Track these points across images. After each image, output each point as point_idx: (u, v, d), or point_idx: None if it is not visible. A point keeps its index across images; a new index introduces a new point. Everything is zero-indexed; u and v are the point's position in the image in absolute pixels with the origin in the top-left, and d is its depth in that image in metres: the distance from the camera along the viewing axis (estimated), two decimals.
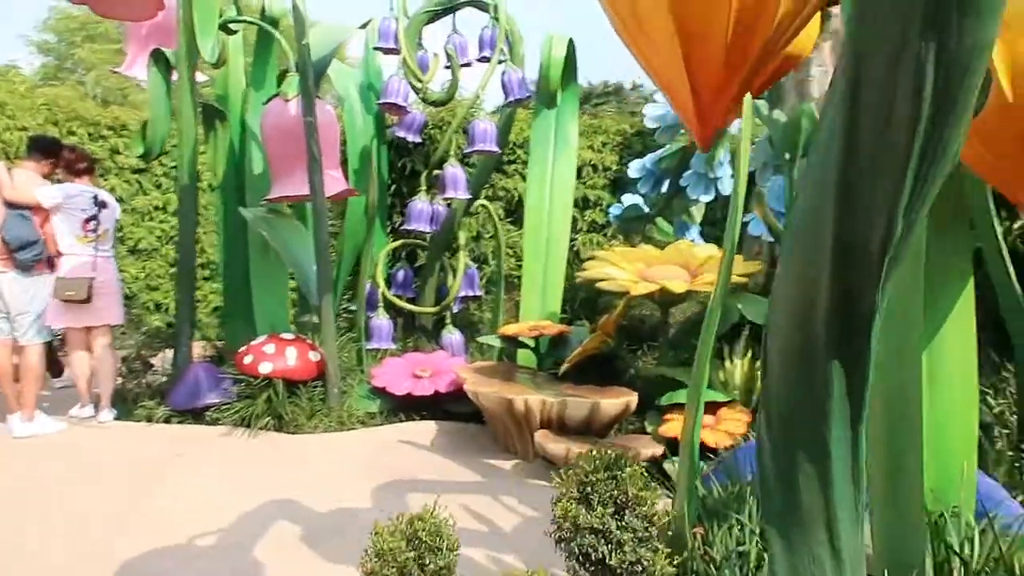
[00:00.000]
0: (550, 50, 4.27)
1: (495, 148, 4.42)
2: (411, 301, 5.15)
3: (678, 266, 3.67)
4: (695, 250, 3.83)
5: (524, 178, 6.38)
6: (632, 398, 3.36)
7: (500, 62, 4.46)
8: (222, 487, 2.99)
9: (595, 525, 1.04)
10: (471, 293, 5.06)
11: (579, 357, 3.69)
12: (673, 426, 3.21)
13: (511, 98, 4.48)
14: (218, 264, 6.62)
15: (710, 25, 1.18)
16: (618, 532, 1.04)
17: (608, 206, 6.74)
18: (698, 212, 4.58)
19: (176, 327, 4.37)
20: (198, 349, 4.80)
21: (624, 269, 3.69)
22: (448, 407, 4.02)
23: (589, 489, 1.10)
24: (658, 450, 3.17)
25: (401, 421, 3.94)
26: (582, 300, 5.10)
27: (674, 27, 1.19)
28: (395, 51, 4.57)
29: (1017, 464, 2.61)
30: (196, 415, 3.88)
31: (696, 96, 1.29)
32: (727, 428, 3.12)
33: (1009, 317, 2.60)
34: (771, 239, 3.73)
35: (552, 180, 4.62)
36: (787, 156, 3.16)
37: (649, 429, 3.39)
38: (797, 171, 3.13)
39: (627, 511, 1.08)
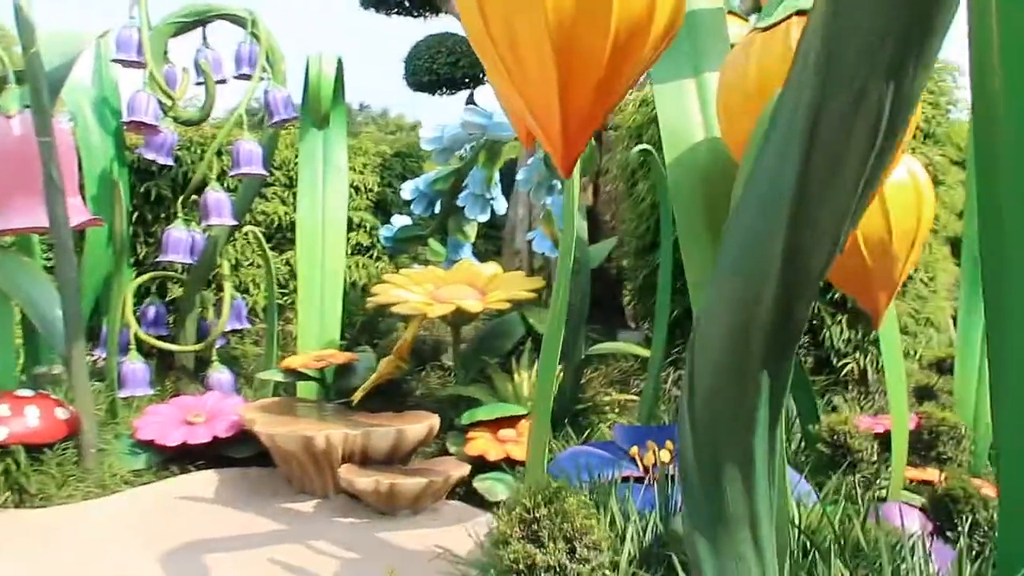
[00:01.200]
0: (320, 68, 4.13)
1: (262, 170, 4.16)
2: (164, 339, 4.64)
3: (466, 285, 3.74)
4: (478, 269, 3.93)
5: (284, 202, 6.08)
6: (434, 421, 3.34)
7: (261, 79, 4.22)
8: None
9: (551, 563, 1.01)
10: (239, 326, 4.69)
11: (374, 384, 3.59)
12: (478, 444, 3.25)
13: (277, 118, 4.25)
14: None
15: (590, 42, 1.21)
16: (575, 566, 1.02)
17: (372, 228, 6.65)
18: (472, 231, 4.70)
19: None
20: None
21: (414, 291, 3.66)
22: (227, 452, 3.68)
23: (536, 527, 1.06)
24: (465, 470, 3.18)
25: (175, 475, 3.52)
26: (361, 324, 4.98)
27: (550, 46, 1.20)
28: (138, 64, 4.11)
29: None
30: None
31: (565, 121, 1.32)
32: None
33: None
34: (555, 255, 3.94)
35: (324, 203, 4.47)
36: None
37: (453, 450, 3.40)
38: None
39: (576, 543, 1.06)
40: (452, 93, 7.89)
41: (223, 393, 4.32)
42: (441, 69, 7.35)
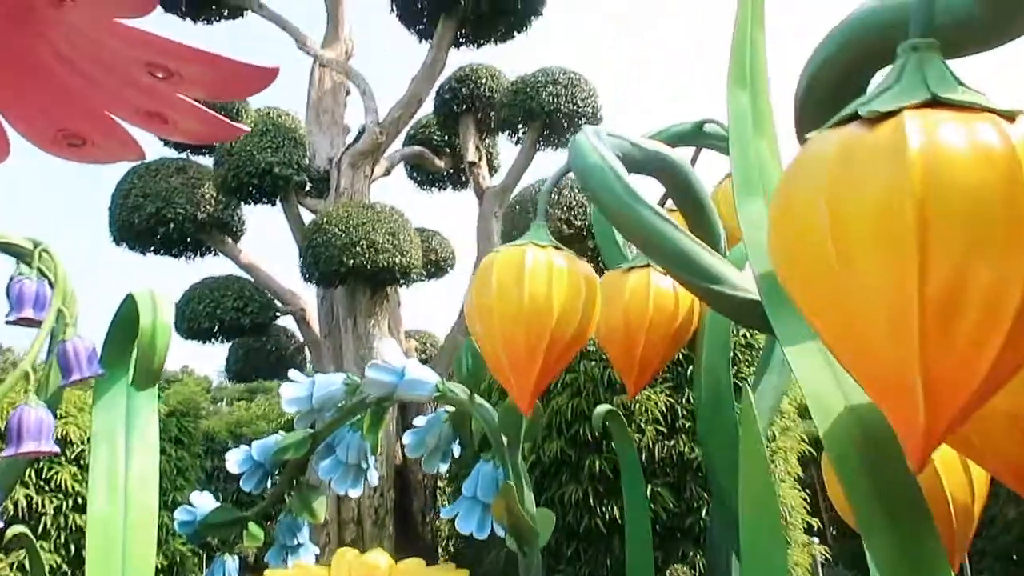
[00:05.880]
0: (155, 312, 3.24)
1: (52, 446, 3.00)
2: None
3: None
4: (371, 561, 3.09)
5: (24, 483, 4.53)
6: None
7: (64, 326, 3.21)
8: None
9: None
10: None
11: None
12: None
13: (75, 376, 3.19)
14: None
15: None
16: None
17: None
18: (322, 509, 3.80)
19: None
20: None
21: None
22: None
23: None
24: None
25: None
26: None
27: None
28: None
29: None
30: None
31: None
32: None
33: None
34: (482, 537, 3.23)
35: (127, 491, 3.32)
36: (505, 441, 2.86)
37: None
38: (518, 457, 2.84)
39: None
40: (227, 341, 6.98)
41: None
42: (226, 315, 6.50)
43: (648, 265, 1.55)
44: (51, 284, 3.63)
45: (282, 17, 7.72)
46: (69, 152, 1.97)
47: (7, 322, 3.67)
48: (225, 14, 7.96)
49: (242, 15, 8.05)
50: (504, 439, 3.07)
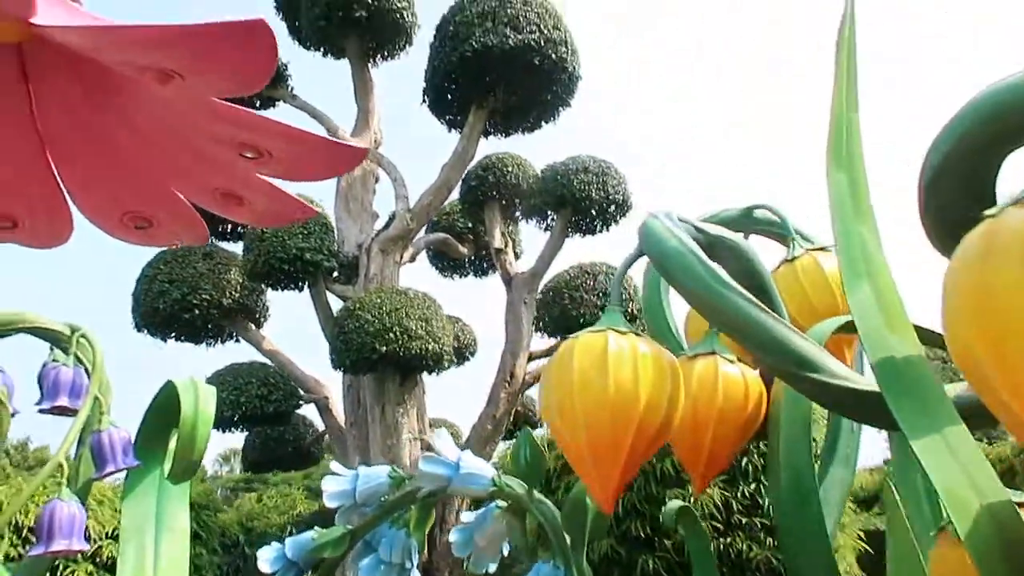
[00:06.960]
0: (197, 400, 3.14)
1: (82, 544, 2.84)
2: None
3: None
4: None
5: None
6: None
7: (99, 415, 3.10)
8: None
9: None
10: None
11: None
12: None
13: (110, 467, 3.06)
14: None
15: None
16: None
17: None
18: None
19: None
20: None
21: None
22: None
23: None
24: None
25: None
26: None
27: None
28: None
29: None
30: None
31: None
32: None
33: None
34: None
35: None
36: (568, 540, 2.69)
37: None
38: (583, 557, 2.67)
39: None
40: (246, 430, 6.83)
41: None
42: (249, 403, 6.38)
43: (714, 352, 1.44)
44: (87, 372, 3.50)
45: (314, 107, 7.95)
46: (135, 235, 1.91)
47: (40, 411, 3.52)
48: (258, 105, 8.19)
49: (274, 105, 8.29)
50: (568, 537, 2.88)
